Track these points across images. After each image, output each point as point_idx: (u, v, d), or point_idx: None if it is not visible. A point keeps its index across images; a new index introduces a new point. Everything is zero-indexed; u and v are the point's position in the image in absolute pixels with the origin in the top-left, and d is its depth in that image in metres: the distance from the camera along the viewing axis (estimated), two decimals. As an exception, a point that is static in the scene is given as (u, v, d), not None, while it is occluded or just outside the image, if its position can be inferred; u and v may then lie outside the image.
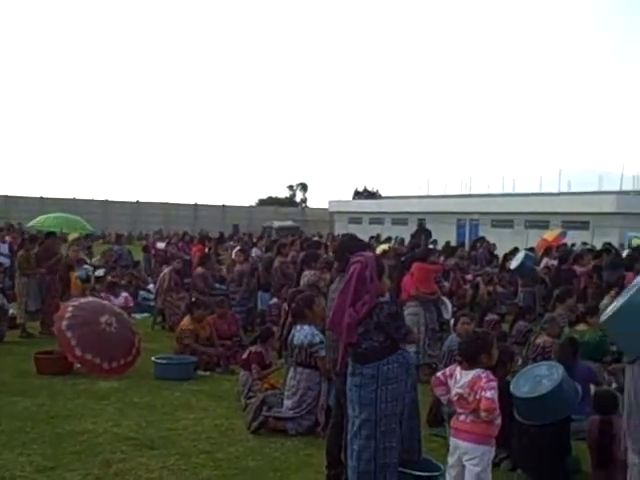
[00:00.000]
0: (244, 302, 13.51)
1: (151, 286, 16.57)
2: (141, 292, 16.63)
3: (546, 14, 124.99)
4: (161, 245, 23.87)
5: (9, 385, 8.97)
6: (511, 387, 6.37)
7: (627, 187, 39.79)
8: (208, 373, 9.97)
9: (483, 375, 4.91)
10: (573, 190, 42.41)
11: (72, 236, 19.98)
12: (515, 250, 19.01)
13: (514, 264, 15.19)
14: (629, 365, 3.86)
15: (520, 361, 8.70)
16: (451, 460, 5.03)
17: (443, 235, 31.19)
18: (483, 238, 24.00)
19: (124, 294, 14.56)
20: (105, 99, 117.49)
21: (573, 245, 22.89)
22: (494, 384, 4.89)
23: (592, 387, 7.55)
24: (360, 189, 72.83)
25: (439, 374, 5.19)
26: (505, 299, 17.20)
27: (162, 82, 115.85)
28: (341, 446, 5.64)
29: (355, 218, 53.44)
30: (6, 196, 50.65)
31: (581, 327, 9.33)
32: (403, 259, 12.44)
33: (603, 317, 4.17)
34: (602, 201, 35.90)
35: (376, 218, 50.91)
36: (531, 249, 19.68)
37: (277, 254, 14.20)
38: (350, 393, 5.31)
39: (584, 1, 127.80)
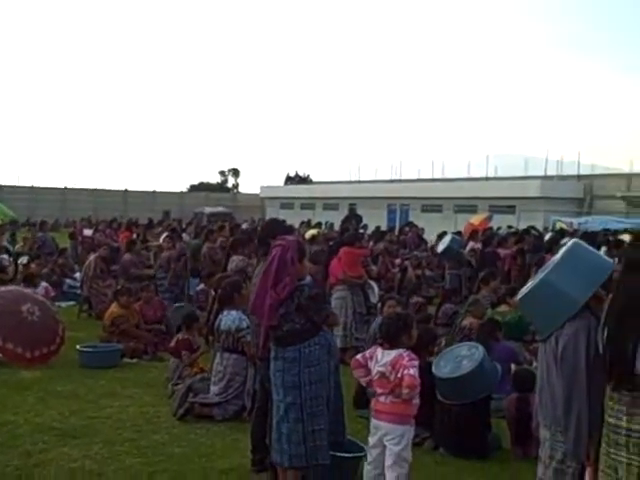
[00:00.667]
0: (171, 288, 13.37)
1: (78, 274, 16.24)
2: (67, 280, 16.27)
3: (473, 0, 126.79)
4: (88, 232, 23.42)
5: None
6: (433, 368, 6.51)
7: (551, 172, 40.84)
8: (135, 360, 9.86)
9: (405, 354, 5.00)
10: (500, 175, 43.31)
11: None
12: (444, 234, 19.34)
13: (441, 247, 15.46)
14: (542, 343, 3.97)
15: (443, 342, 8.86)
16: (372, 440, 5.10)
17: (374, 220, 31.49)
18: (411, 223, 24.31)
19: (44, 284, 14.17)
20: (28, 81, 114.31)
21: (499, 229, 23.41)
22: (416, 362, 4.99)
23: (513, 366, 7.75)
24: (292, 174, 72.88)
25: (359, 356, 5.24)
26: (433, 282, 17.52)
27: (91, 66, 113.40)
28: (266, 430, 5.65)
29: (287, 203, 53.45)
30: None
31: (503, 308, 9.56)
32: (331, 244, 12.52)
33: (517, 297, 4.28)
34: (527, 186, 36.81)
35: (307, 203, 51.01)
36: (458, 233, 20.06)
37: (205, 240, 14.11)
38: (274, 377, 5.33)
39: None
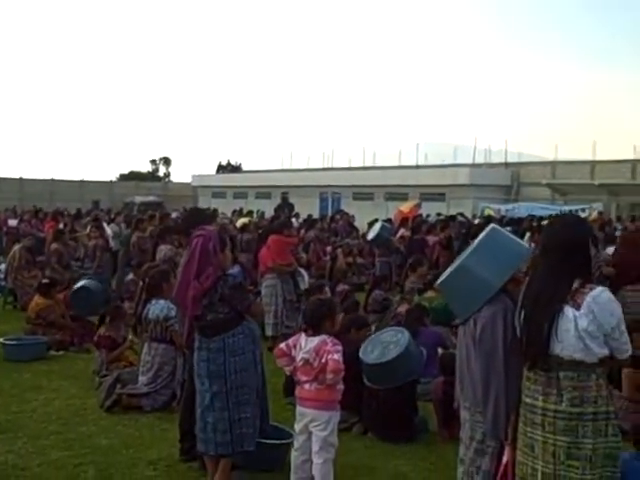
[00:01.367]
0: (97, 277, 13.13)
1: (2, 265, 15.82)
2: (-9, 272, 15.84)
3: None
4: (13, 222, 22.83)
5: None
6: (360, 353, 6.57)
7: (480, 160, 41.60)
8: (61, 353, 9.67)
9: (328, 340, 5.04)
10: (430, 163, 43.89)
11: None
12: (375, 221, 19.50)
13: (371, 235, 15.59)
14: (461, 326, 4.06)
15: (373, 329, 8.97)
16: (298, 427, 5.13)
17: (306, 208, 31.54)
18: (342, 210, 24.44)
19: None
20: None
21: (428, 216, 23.74)
22: (340, 348, 5.03)
23: (440, 350, 7.90)
24: (224, 163, 72.31)
25: (282, 345, 5.26)
26: (364, 269, 17.68)
27: (17, 51, 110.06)
28: (194, 419, 5.64)
29: (219, 192, 53.04)
30: None
31: (430, 294, 9.73)
32: (260, 232, 12.50)
33: (437, 282, 4.37)
34: (457, 173, 37.42)
35: (240, 192, 50.74)
36: (389, 220, 20.27)
37: (135, 229, 13.91)
38: (198, 367, 5.33)
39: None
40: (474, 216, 26.68)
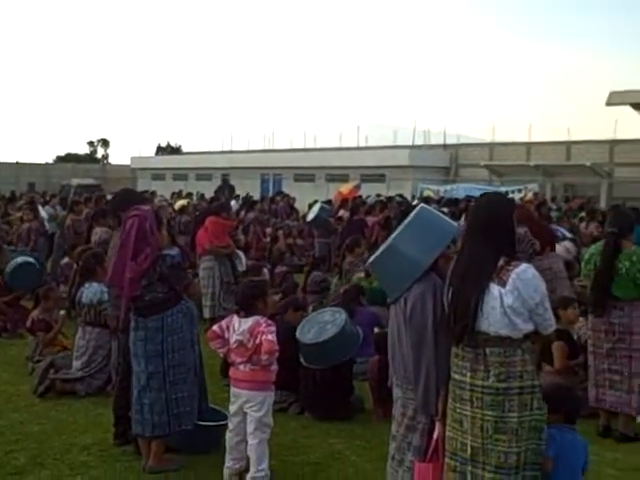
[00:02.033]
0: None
1: None
2: None
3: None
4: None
5: None
6: (297, 333, 6.59)
7: (419, 142, 41.95)
8: (-7, 339, 9.47)
9: (262, 320, 5.04)
10: (370, 145, 44.07)
11: None
12: (315, 203, 19.53)
13: (310, 216, 15.63)
14: (392, 305, 4.10)
15: (310, 309, 9.01)
16: (233, 409, 5.13)
17: (247, 190, 31.36)
18: (283, 192, 24.39)
19: None
20: None
21: (368, 197, 23.86)
22: (273, 328, 5.04)
23: (376, 330, 7.96)
24: (163, 145, 71.36)
25: (215, 327, 5.24)
26: (305, 251, 17.72)
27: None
28: (129, 402, 5.59)
29: (158, 174, 52.31)
30: None
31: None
32: (197, 214, 12.39)
33: (368, 262, 4.40)
34: (396, 155, 37.67)
35: (180, 174, 50.13)
36: (328, 202, 20.33)
37: (70, 212, 13.64)
38: (134, 347, 5.32)
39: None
40: (413, 197, 26.91)
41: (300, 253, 17.38)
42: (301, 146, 48.42)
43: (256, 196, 28.43)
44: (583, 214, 16.90)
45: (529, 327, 3.59)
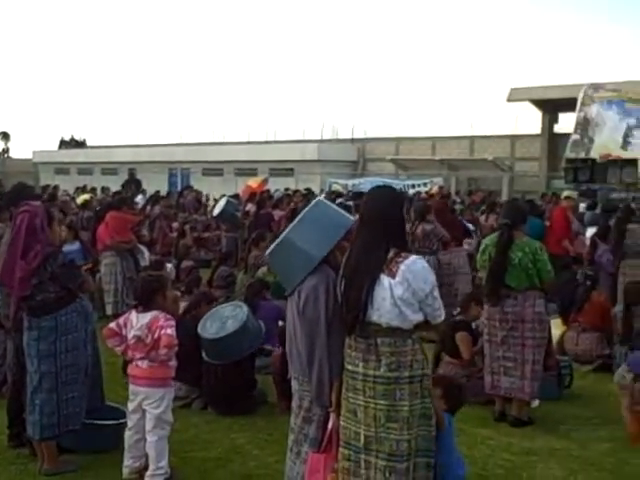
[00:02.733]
0: None
1: None
2: None
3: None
4: None
5: None
6: (199, 329, 6.54)
7: (327, 136, 42.17)
8: None
9: (161, 316, 4.99)
10: (279, 139, 44.04)
11: None
12: (223, 197, 19.39)
13: (216, 211, 15.50)
14: (289, 298, 4.12)
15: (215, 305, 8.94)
16: (132, 406, 5.07)
17: (155, 184, 30.86)
18: (190, 186, 24.14)
19: None
20: None
21: (276, 191, 23.89)
22: (172, 323, 5.00)
23: (281, 323, 7.98)
24: (66, 138, 69.37)
25: (112, 324, 5.15)
26: (212, 245, 17.57)
27: None
28: (23, 404, 5.44)
29: (62, 169, 50.84)
30: None
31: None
32: (97, 209, 12.13)
33: (265, 255, 4.40)
34: (304, 149, 37.78)
35: (85, 168, 48.87)
36: (236, 196, 20.24)
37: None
38: (28, 347, 5.17)
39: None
40: (322, 191, 27.08)
41: (208, 248, 17.22)
42: (210, 140, 47.93)
43: (164, 190, 28.03)
44: (484, 207, 17.40)
45: (419, 317, 3.66)
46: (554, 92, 30.62)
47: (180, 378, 6.52)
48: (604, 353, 7.97)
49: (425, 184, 29.02)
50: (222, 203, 15.34)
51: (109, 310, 9.67)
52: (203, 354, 6.55)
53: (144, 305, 5.04)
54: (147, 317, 4.98)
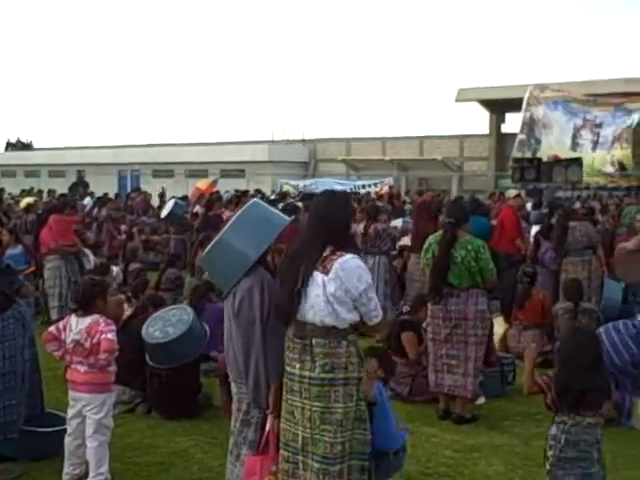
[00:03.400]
0: None
1: None
2: None
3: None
4: None
5: None
6: (142, 333, 6.47)
7: (278, 137, 42.15)
8: None
9: (101, 320, 4.92)
10: (230, 140, 43.85)
11: None
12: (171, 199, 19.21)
13: (164, 212, 15.37)
14: (225, 300, 4.09)
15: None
16: (72, 412, 4.99)
17: (104, 186, 30.51)
18: (139, 188, 23.91)
19: None
20: None
21: (227, 192, 23.76)
22: (113, 327, 4.94)
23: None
24: (13, 140, 68.07)
25: (51, 328, 5.06)
26: (162, 247, 17.42)
27: None
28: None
29: (8, 171, 49.81)
30: None
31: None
32: (39, 212, 11.93)
33: (201, 257, 4.37)
34: (255, 150, 37.70)
35: (31, 171, 47.99)
36: (185, 197, 20.11)
37: None
38: None
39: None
40: (273, 192, 27.05)
41: (157, 250, 17.06)
42: (160, 141, 47.49)
43: (114, 193, 27.68)
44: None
45: (353, 317, 3.66)
46: (501, 92, 31.08)
47: (124, 382, 6.46)
48: (546, 349, 8.10)
49: (376, 184, 29.22)
50: (170, 205, 15.21)
51: (54, 314, 9.51)
52: (147, 358, 6.48)
53: (84, 309, 4.96)
54: (87, 321, 4.90)
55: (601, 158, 26.19)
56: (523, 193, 17.92)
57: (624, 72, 31.14)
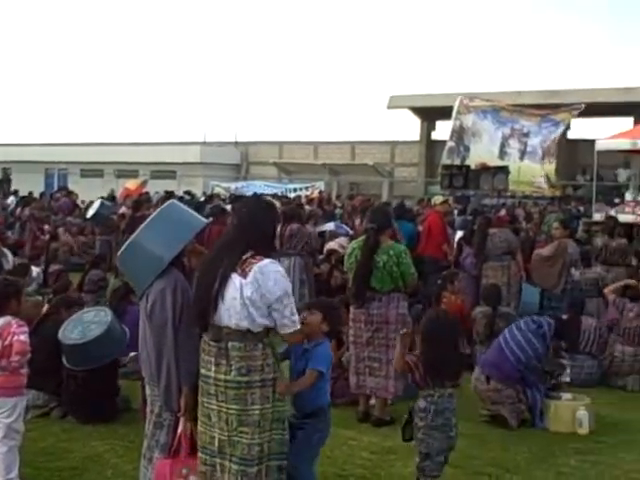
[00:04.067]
0: None
1: None
2: None
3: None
4: None
5: None
6: (59, 334, 6.34)
7: (210, 139, 41.84)
8: None
9: (14, 321, 4.81)
10: (161, 141, 43.34)
11: None
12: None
13: (90, 213, 15.13)
14: (141, 302, 4.03)
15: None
16: (-20, 416, 4.84)
17: (30, 185, 29.70)
18: (65, 188, 23.43)
19: None
20: None
21: (156, 193, 23.49)
22: (25, 329, 4.83)
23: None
24: None
25: None
26: (88, 248, 17.09)
27: None
28: None
29: None
30: None
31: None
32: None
33: (116, 259, 4.32)
34: (187, 151, 37.36)
35: (-48, 168, 46.46)
36: (113, 198, 19.80)
37: None
38: None
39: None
40: (204, 194, 26.84)
41: (83, 251, 16.75)
42: (90, 141, 46.57)
43: (39, 192, 27.01)
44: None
45: (267, 322, 3.65)
46: (432, 100, 31.47)
47: (38, 386, 6.32)
48: (465, 353, 8.23)
49: (307, 188, 29.27)
50: (96, 205, 14.98)
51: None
52: (63, 360, 6.35)
53: (-4, 310, 4.83)
54: (-1, 323, 4.78)
55: (529, 169, 26.80)
56: (451, 199, 18.21)
57: (549, 84, 32.01)
